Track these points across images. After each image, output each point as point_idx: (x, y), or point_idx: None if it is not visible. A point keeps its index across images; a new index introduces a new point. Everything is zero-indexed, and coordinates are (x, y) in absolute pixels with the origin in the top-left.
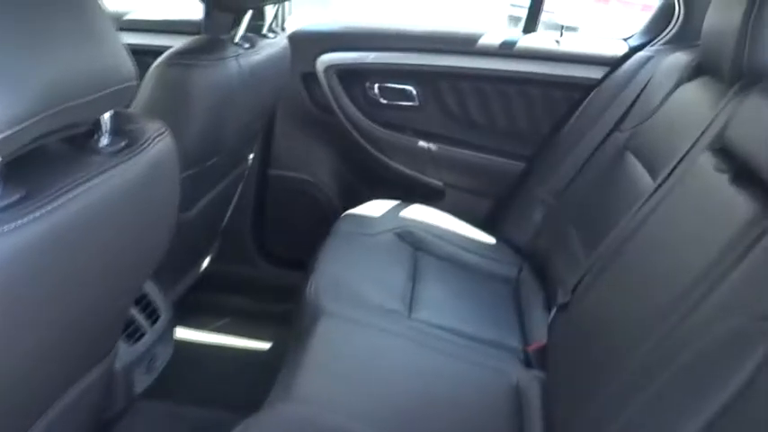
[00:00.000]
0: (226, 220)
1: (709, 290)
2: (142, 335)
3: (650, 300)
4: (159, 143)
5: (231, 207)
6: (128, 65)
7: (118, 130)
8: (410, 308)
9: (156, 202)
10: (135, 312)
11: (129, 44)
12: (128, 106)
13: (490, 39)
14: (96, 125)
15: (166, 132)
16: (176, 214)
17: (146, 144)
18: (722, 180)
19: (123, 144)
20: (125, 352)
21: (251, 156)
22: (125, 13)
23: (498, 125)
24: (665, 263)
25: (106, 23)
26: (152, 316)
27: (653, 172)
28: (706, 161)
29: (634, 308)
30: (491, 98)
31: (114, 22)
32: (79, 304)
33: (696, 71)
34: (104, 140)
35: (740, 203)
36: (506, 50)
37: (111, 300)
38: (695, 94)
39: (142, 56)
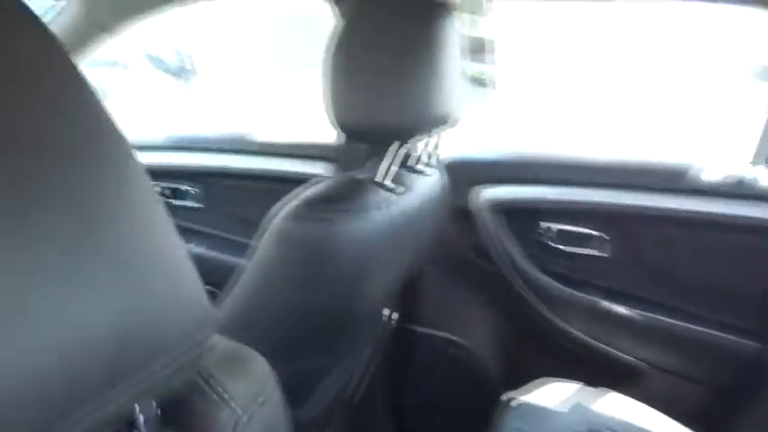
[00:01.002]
0: (356, 397)
1: None
2: None
3: None
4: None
5: (365, 381)
6: (202, 304)
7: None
8: None
9: None
10: None
11: (251, 169)
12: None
13: (706, 172)
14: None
15: (270, 398)
16: None
17: None
18: None
19: None
20: None
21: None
22: (245, 134)
23: (721, 289)
24: None
25: (172, 238)
26: None
27: None
28: None
29: None
30: (710, 251)
31: (239, 142)
32: None
33: None
34: None
35: None
36: (730, 188)
37: None
38: None
39: (270, 182)
